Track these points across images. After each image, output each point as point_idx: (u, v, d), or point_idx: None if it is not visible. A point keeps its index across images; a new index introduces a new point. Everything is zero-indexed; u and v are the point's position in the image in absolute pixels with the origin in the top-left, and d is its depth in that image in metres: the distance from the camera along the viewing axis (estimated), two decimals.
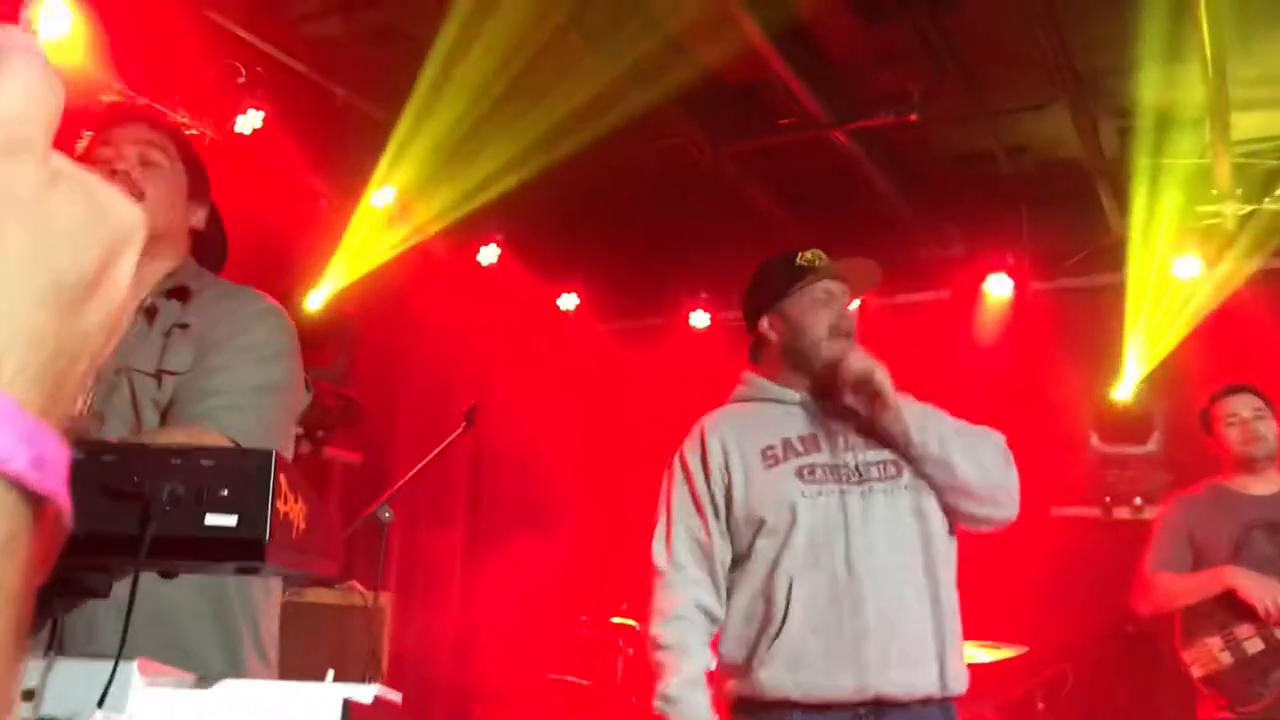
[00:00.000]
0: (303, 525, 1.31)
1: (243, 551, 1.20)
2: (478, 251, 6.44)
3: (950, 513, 2.63)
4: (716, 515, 2.65)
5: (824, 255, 2.77)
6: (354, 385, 5.52)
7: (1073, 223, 6.22)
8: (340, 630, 4.67)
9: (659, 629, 2.61)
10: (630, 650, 5.05)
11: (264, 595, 2.04)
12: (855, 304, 2.83)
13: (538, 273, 6.83)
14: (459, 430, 4.31)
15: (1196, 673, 3.73)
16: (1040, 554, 5.58)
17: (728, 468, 2.66)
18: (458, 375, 6.22)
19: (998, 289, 6.32)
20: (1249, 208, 5.75)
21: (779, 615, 2.51)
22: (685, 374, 7.07)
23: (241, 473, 1.20)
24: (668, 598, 2.63)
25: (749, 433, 2.69)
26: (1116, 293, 5.99)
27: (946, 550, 2.63)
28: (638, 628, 5.04)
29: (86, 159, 2.07)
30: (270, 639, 2.04)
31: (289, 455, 2.03)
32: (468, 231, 6.23)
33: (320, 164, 5.55)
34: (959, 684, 2.57)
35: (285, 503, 1.24)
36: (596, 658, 5.25)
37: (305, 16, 4.96)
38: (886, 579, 2.51)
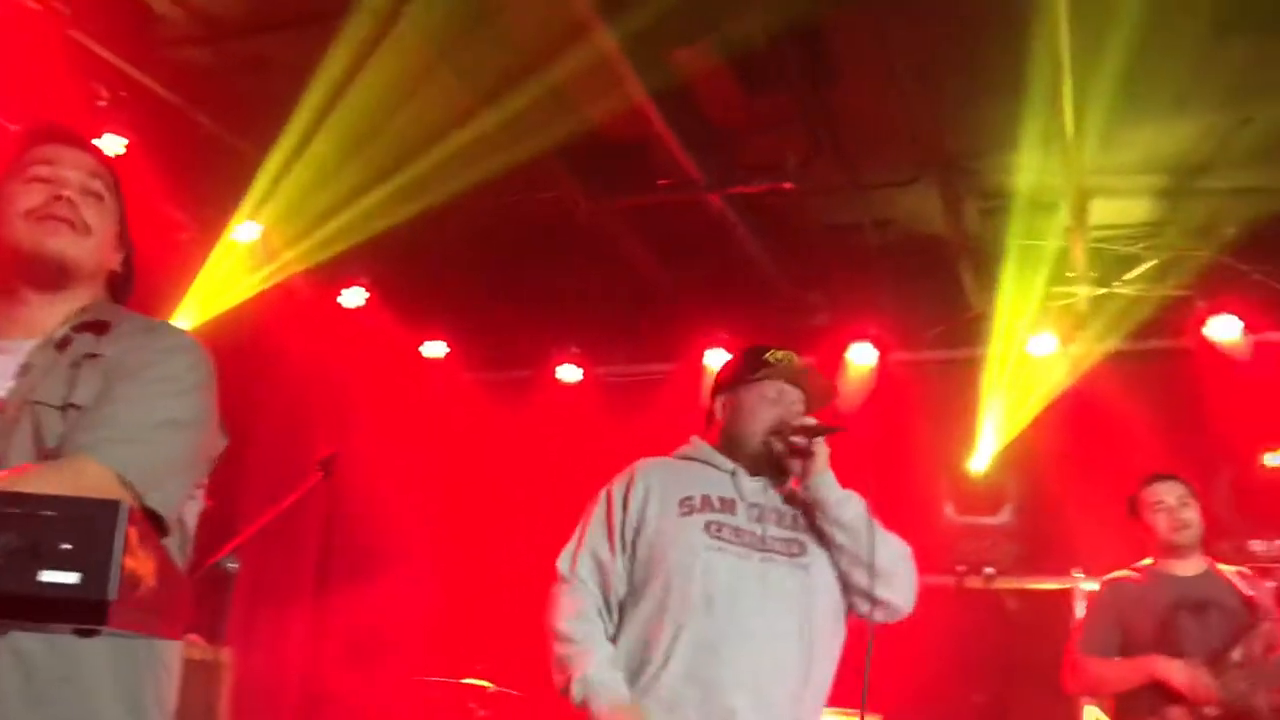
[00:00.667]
0: (152, 583, 1.19)
1: (83, 613, 1.08)
2: (342, 293, 6.26)
3: (850, 594, 2.77)
4: (623, 550, 2.77)
5: (795, 359, 2.92)
6: None
7: (935, 296, 6.39)
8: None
9: (568, 625, 2.71)
10: (482, 713, 4.89)
11: (168, 645, 1.90)
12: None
13: (404, 318, 6.67)
14: (314, 480, 4.12)
15: None
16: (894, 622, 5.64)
17: (644, 510, 2.79)
18: (315, 420, 6.01)
19: (860, 357, 6.41)
20: (1102, 290, 6.00)
21: (660, 658, 2.61)
22: (553, 428, 7.01)
23: (86, 525, 1.08)
24: (572, 599, 2.74)
25: (675, 483, 2.83)
26: (975, 366, 6.15)
27: (831, 632, 2.76)
28: (491, 689, 4.90)
29: (17, 173, 1.91)
30: (170, 690, 1.90)
31: (187, 498, 1.88)
32: (333, 272, 6.06)
33: (182, 195, 5.34)
34: None
35: (134, 559, 1.12)
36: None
37: (175, 42, 4.78)
38: (769, 644, 2.62)
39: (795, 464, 2.78)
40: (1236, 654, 3.75)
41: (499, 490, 6.93)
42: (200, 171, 5.28)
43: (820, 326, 6.76)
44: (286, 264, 5.64)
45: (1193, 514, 4.01)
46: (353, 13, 4.27)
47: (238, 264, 5.42)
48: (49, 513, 1.07)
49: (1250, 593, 3.93)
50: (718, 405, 2.96)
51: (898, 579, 2.77)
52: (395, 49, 4.41)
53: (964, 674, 5.96)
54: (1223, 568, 4.05)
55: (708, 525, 2.72)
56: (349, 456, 5.52)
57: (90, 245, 1.92)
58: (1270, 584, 4.30)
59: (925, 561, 5.95)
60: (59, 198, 1.88)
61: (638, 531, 2.76)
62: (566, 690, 2.62)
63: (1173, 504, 4.01)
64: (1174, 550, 4.00)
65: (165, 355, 1.87)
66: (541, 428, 7.01)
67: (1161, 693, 3.76)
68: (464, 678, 4.99)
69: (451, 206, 5.42)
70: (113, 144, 4.66)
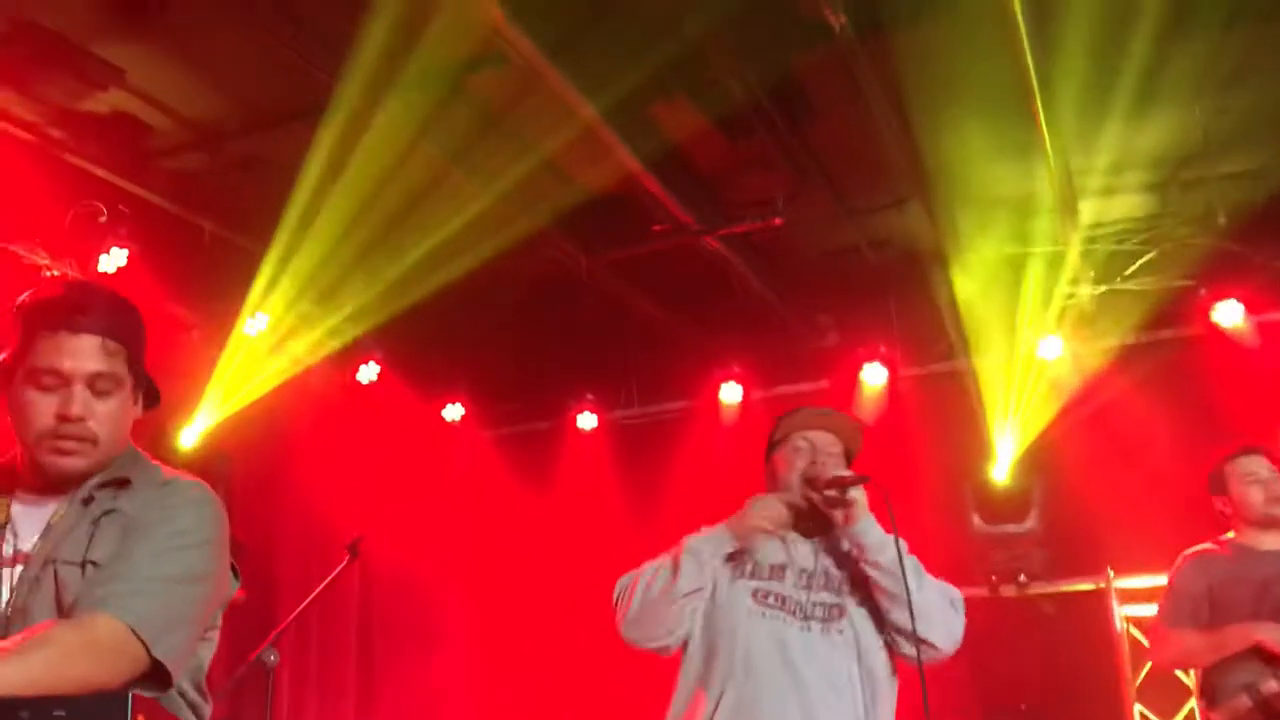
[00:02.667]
0: None
1: None
2: (356, 371, 6.35)
3: (892, 641, 2.81)
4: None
5: (816, 410, 3.04)
6: (233, 521, 5.34)
7: (939, 310, 6.43)
8: None
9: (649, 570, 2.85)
10: None
11: None
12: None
13: (419, 386, 6.76)
14: (343, 563, 4.21)
15: None
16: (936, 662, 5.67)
17: (716, 572, 2.89)
18: (341, 502, 6.07)
19: (873, 377, 6.45)
20: (1102, 288, 6.02)
21: (708, 713, 2.74)
22: (574, 476, 7.08)
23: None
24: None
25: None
26: (985, 376, 6.18)
27: (878, 690, 2.81)
28: None
29: (28, 375, 1.92)
30: None
31: (197, 644, 1.95)
32: (345, 351, 6.15)
33: (189, 296, 5.46)
34: None
35: None
36: None
37: (166, 151, 4.91)
38: (807, 710, 2.70)
39: (837, 514, 2.83)
40: None
41: (532, 545, 7.00)
42: (205, 271, 5.39)
43: (830, 350, 6.82)
44: (300, 353, 5.73)
45: None
46: (335, 107, 4.37)
47: (251, 357, 5.52)
48: (60, 712, 1.15)
49: None
50: (767, 472, 3.05)
51: (936, 619, 2.80)
52: (382, 138, 4.51)
53: (1008, 683, 5.97)
54: None
55: (755, 592, 2.83)
56: (378, 533, 5.61)
57: (101, 452, 1.97)
58: None
59: (957, 574, 5.96)
60: (66, 418, 1.91)
61: (714, 587, 2.87)
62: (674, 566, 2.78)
63: (1266, 476, 3.90)
64: (1266, 522, 3.87)
65: (176, 510, 1.96)
66: (565, 476, 7.09)
67: (1255, 667, 3.67)
68: None
69: (457, 272, 5.52)
70: (115, 258, 4.79)
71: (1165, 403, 5.79)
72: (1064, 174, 5.16)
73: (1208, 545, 4.00)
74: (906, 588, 2.72)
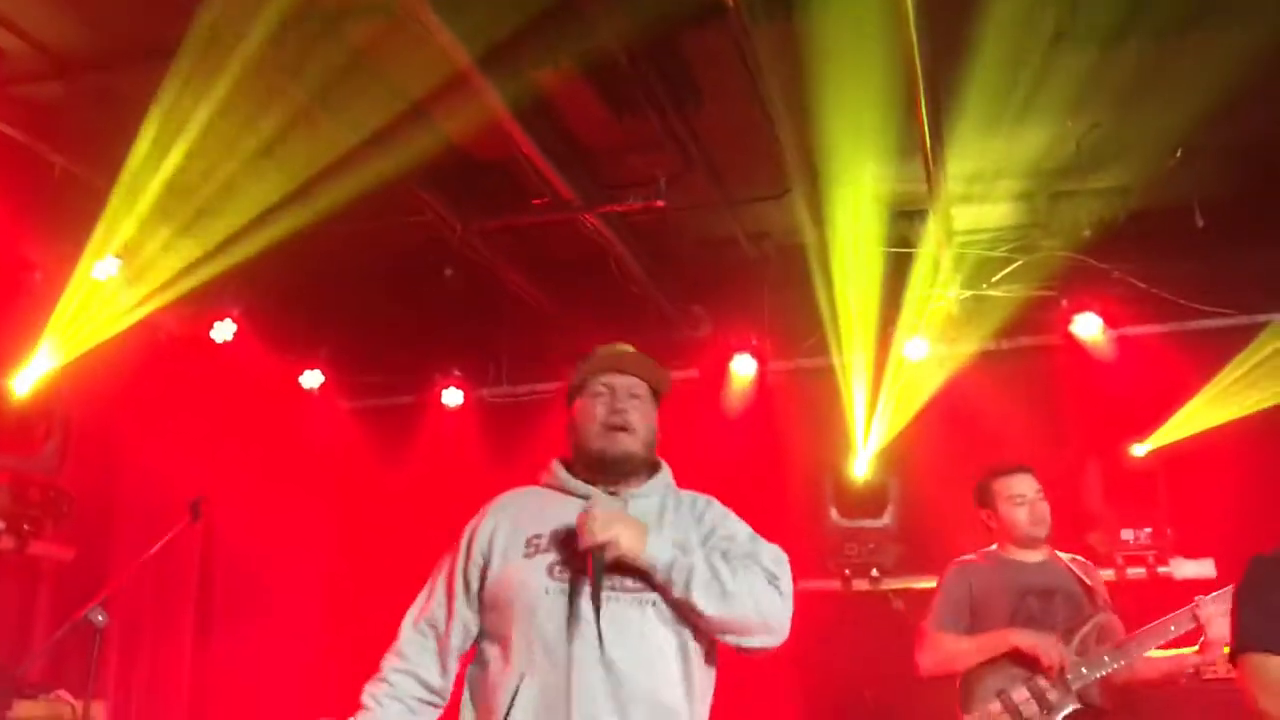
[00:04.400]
0: None
1: None
2: (211, 327, 6.08)
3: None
4: (466, 590, 2.67)
5: (619, 349, 2.79)
6: (67, 474, 5.05)
7: (811, 305, 6.47)
8: None
9: (368, 685, 2.67)
10: None
11: None
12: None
13: (278, 349, 6.50)
14: (182, 524, 4.02)
15: None
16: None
17: (490, 551, 2.67)
18: (187, 462, 5.82)
19: (742, 368, 6.47)
20: (968, 293, 6.14)
21: (503, 709, 2.46)
22: (438, 452, 6.92)
23: None
24: (389, 658, 2.69)
25: (526, 518, 2.69)
26: (851, 372, 6.25)
27: (695, 664, 2.58)
28: None
29: None
30: None
31: None
32: (200, 306, 5.88)
33: (35, 233, 5.13)
34: None
35: None
36: None
37: (16, 78, 4.61)
38: (612, 685, 2.46)
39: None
40: (1076, 640, 3.87)
41: (385, 520, 6.82)
42: (54, 208, 5.08)
43: (703, 339, 6.81)
44: (149, 298, 5.44)
45: (1046, 508, 4.09)
46: (195, 42, 4.14)
47: (97, 302, 5.21)
48: None
49: (1089, 582, 4.06)
50: (568, 423, 2.82)
51: (755, 623, 2.54)
52: (244, 76, 4.30)
53: (855, 674, 6.04)
54: (1061, 555, 4.15)
55: (550, 567, 2.56)
56: (225, 497, 5.39)
57: None
58: (1105, 573, 4.45)
59: (812, 566, 6.09)
60: None
61: (483, 574, 2.65)
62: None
63: (1032, 497, 4.08)
64: (1029, 542, 4.08)
65: None
66: (427, 453, 6.93)
67: (1005, 674, 3.87)
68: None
69: (320, 232, 5.31)
70: None
71: (1021, 408, 5.93)
72: (940, 177, 5.23)
73: (972, 556, 4.20)
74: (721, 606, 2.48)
